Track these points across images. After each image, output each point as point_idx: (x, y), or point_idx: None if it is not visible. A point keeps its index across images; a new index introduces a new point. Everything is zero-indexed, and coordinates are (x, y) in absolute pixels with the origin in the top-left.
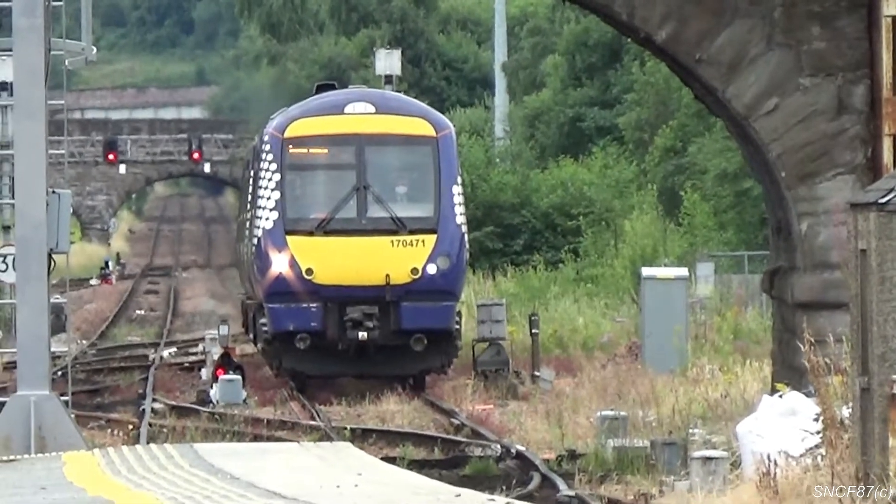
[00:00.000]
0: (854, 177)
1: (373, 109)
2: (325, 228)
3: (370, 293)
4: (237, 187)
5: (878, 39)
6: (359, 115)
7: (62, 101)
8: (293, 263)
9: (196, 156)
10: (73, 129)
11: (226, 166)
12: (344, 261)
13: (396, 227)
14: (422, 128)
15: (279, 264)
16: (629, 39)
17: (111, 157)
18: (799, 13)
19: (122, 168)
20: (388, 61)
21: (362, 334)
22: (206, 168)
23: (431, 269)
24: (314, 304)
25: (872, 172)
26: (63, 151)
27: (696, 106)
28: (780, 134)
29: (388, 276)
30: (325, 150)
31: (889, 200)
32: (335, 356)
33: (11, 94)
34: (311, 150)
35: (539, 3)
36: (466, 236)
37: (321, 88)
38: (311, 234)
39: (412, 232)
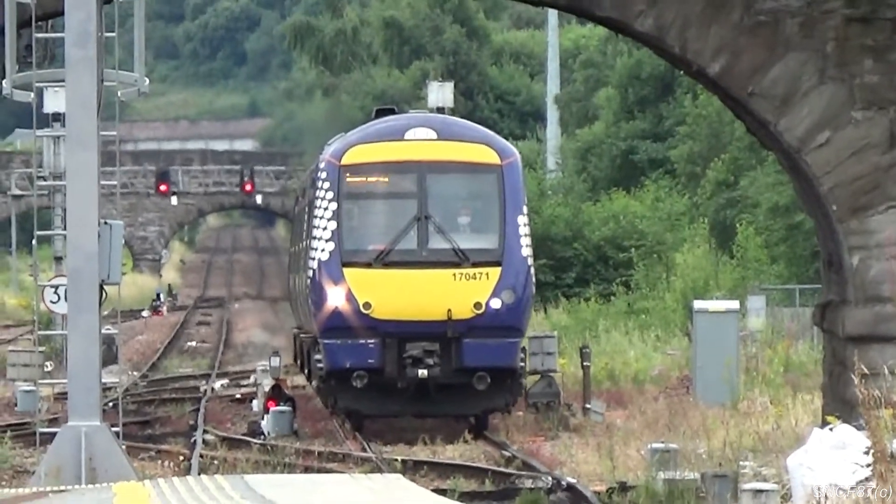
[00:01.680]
0: None
1: (434, 135)
2: (384, 260)
3: (431, 329)
4: (289, 219)
5: None
6: (420, 142)
7: (115, 133)
8: (350, 297)
9: (248, 187)
10: (126, 161)
11: (277, 198)
12: (403, 295)
13: (459, 259)
14: (486, 155)
15: (335, 298)
16: (681, 72)
17: (163, 188)
18: (852, 46)
19: (175, 199)
20: (441, 93)
21: (423, 372)
22: (258, 200)
23: (495, 304)
24: (372, 340)
25: None
26: (115, 182)
27: (749, 139)
28: (833, 167)
29: (449, 311)
30: (385, 178)
31: None
32: (394, 395)
33: (64, 125)
34: (370, 178)
35: (592, 36)
36: (532, 269)
37: (380, 113)
38: (369, 266)
39: (475, 265)
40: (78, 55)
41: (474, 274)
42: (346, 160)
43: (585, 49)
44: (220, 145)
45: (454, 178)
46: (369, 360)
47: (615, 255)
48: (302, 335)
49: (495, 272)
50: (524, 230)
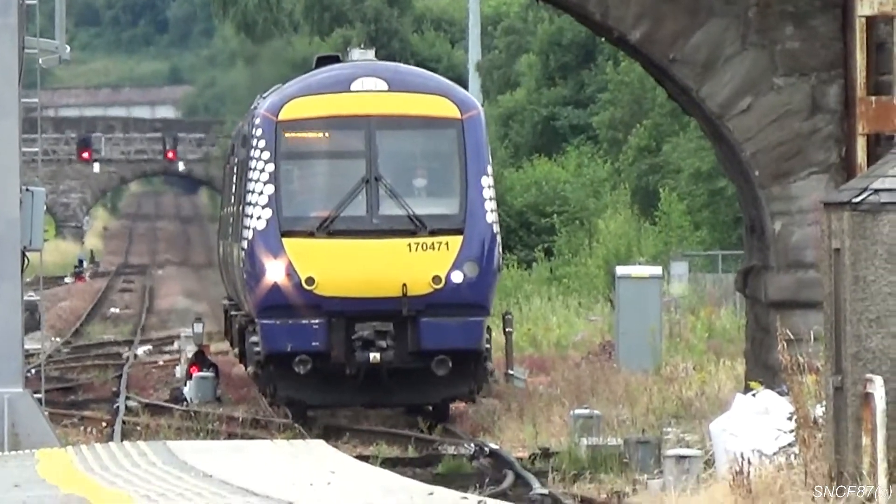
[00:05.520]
0: (828, 176)
1: (385, 86)
2: (329, 229)
3: (383, 307)
4: (212, 186)
5: (851, 39)
6: (368, 93)
7: (36, 100)
8: (290, 271)
9: (171, 155)
10: (47, 128)
11: (200, 165)
12: (351, 268)
13: (414, 227)
14: (444, 108)
15: (274, 273)
16: (603, 39)
17: (85, 155)
18: (773, 13)
19: (97, 166)
20: None
21: (374, 356)
22: (181, 167)
23: (457, 278)
24: (316, 321)
25: (846, 172)
26: (37, 149)
27: (670, 105)
28: (754, 133)
29: (404, 286)
30: (328, 135)
31: (862, 200)
32: (341, 382)
33: None
34: (312, 135)
35: (513, 2)
36: (499, 237)
37: (322, 61)
38: (311, 235)
39: (433, 233)
40: None
41: (432, 244)
42: (283, 115)
43: (507, 16)
44: (142, 112)
45: (408, 135)
46: (313, 343)
47: (537, 222)
48: (234, 311)
49: (456, 241)
50: (489, 193)
